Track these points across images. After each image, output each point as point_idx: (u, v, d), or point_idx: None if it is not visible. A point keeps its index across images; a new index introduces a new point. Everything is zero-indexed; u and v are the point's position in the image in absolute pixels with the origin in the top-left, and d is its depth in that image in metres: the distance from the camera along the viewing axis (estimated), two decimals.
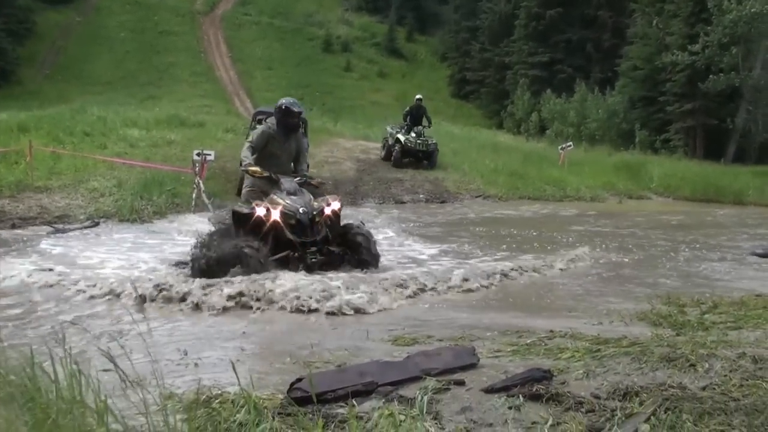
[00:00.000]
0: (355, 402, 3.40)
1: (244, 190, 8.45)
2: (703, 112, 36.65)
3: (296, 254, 7.72)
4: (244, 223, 7.85)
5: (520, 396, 3.41)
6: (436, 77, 63.52)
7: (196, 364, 4.49)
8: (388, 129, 22.41)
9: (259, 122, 16.89)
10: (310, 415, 3.24)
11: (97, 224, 11.24)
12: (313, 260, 7.68)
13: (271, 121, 8.54)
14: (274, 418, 3.20)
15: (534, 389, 3.51)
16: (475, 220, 14.63)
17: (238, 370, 3.01)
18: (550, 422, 3.06)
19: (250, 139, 8.46)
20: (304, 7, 72.90)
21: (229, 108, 42.31)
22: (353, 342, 5.12)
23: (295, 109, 8.47)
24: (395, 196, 17.18)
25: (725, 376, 3.65)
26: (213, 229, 8.47)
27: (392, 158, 21.22)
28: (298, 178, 8.38)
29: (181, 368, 4.43)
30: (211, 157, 14.27)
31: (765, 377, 3.58)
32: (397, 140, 21.36)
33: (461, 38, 60.91)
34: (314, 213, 7.88)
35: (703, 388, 3.48)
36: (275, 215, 7.70)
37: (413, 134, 21.19)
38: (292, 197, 7.90)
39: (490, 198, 17.84)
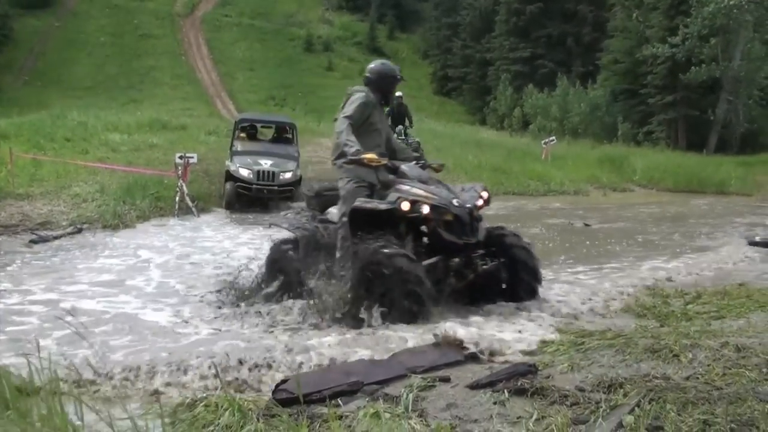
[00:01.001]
0: (340, 401, 3.39)
1: (346, 185, 6.05)
2: (685, 103, 36.88)
3: (457, 260, 5.77)
4: (375, 224, 5.73)
5: (505, 391, 3.40)
6: (418, 74, 63.51)
7: None
8: None
9: (242, 130, 16.42)
10: (295, 416, 3.23)
11: (80, 231, 11.14)
12: (485, 267, 5.78)
13: (359, 89, 6.25)
14: (258, 420, 3.19)
15: (519, 384, 3.51)
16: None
17: None
18: (534, 416, 3.05)
19: (345, 113, 5.99)
20: (285, 8, 72.78)
21: (212, 110, 42.21)
22: None
23: (398, 74, 6.39)
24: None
25: (708, 365, 3.66)
26: (288, 238, 6.82)
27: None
28: (415, 162, 6.36)
29: None
30: (194, 160, 14.17)
31: (747, 366, 3.59)
32: None
33: (442, 35, 61.04)
34: (472, 206, 5.89)
35: (687, 378, 3.50)
36: (425, 210, 5.64)
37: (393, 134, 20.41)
38: (430, 187, 5.88)
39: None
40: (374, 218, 5.70)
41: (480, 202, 5.97)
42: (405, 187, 5.79)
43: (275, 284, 6.62)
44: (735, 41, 34.83)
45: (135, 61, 54.77)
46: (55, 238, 10.53)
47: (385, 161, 5.89)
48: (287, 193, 14.67)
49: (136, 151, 18.57)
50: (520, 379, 3.60)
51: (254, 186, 14.56)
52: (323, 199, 6.62)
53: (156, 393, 4.06)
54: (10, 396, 3.11)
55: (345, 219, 5.91)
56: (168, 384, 4.17)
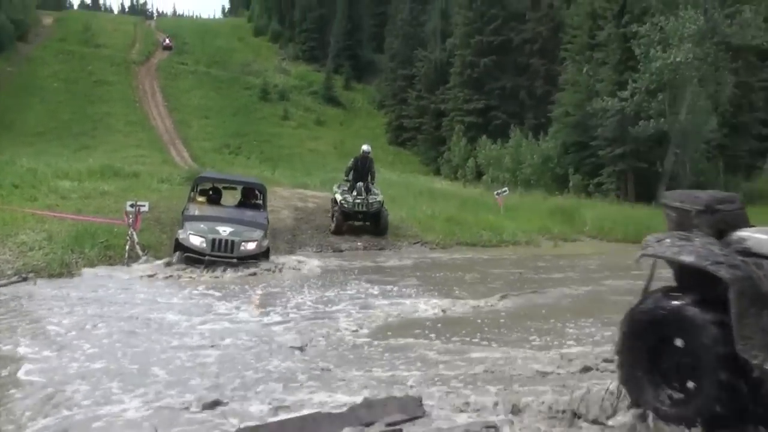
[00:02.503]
0: None
1: None
2: (634, 156, 37.67)
3: None
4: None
5: None
6: (373, 124, 64.11)
7: None
8: (335, 189, 19.02)
9: (202, 193, 14.40)
10: None
11: (25, 279, 10.88)
12: None
13: None
14: None
15: None
16: (411, 265, 14.65)
17: None
18: None
19: None
20: (241, 57, 73.21)
21: (165, 157, 41.90)
22: None
23: None
24: (333, 244, 17.05)
25: None
26: None
27: (333, 225, 17.95)
28: None
29: None
30: (145, 209, 13.97)
31: None
32: (335, 201, 18.36)
33: (398, 86, 61.75)
34: None
35: None
36: None
37: (354, 192, 17.95)
38: None
39: (428, 244, 17.86)
40: None
41: None
42: None
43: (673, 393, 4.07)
44: (681, 96, 35.76)
45: (88, 107, 54.34)
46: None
47: None
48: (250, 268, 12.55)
49: (87, 198, 18.27)
50: None
51: (207, 257, 12.29)
52: (721, 216, 4.59)
53: None
54: None
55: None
56: None
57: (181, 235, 12.71)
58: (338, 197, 18.05)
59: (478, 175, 42.86)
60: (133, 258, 13.25)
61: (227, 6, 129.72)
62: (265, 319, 8.70)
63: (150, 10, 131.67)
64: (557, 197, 31.13)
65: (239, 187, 15.53)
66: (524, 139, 42.31)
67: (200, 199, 14.25)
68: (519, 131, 43.72)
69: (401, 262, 15.12)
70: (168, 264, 12.51)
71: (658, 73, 34.59)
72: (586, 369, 6.01)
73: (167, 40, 72.63)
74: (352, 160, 19.05)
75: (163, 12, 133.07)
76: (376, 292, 10.87)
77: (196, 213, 13.43)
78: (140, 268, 12.47)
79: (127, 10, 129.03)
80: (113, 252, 13.37)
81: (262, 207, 14.42)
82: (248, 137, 54.16)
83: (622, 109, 36.00)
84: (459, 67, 52.51)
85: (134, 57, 67.50)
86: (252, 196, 14.81)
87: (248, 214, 13.90)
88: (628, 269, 14.33)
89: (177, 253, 12.65)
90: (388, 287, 11.36)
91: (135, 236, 13.53)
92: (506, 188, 26.44)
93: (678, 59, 33.85)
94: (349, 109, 66.55)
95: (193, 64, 68.26)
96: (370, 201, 17.81)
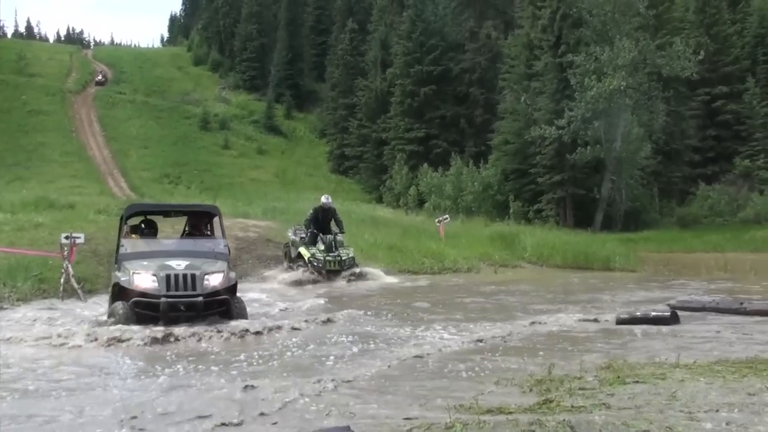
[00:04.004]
0: None
1: None
2: (572, 182, 38.43)
3: None
4: None
5: None
6: (315, 153, 64.09)
7: None
8: (290, 235, 17.70)
9: (134, 229, 11.44)
10: None
11: None
12: None
13: None
14: None
15: None
16: (375, 294, 14.58)
17: None
18: None
19: None
20: (180, 86, 72.64)
21: (103, 188, 41.23)
22: None
23: None
24: (276, 276, 16.92)
25: None
26: None
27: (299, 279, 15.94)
28: None
29: None
30: (81, 240, 13.65)
31: None
32: (300, 256, 16.65)
33: (339, 115, 61.94)
34: None
35: None
36: None
37: (322, 246, 16.47)
38: None
39: (358, 265, 17.79)
40: None
41: None
42: None
43: None
44: (616, 124, 36.69)
45: (22, 137, 53.10)
46: None
47: None
48: (219, 306, 9.88)
49: (20, 230, 17.77)
50: None
51: (163, 300, 9.44)
52: None
53: None
54: None
55: None
56: None
57: (122, 277, 9.89)
58: (304, 252, 16.48)
59: (420, 202, 43.14)
60: (68, 291, 12.94)
61: (166, 35, 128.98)
62: None
63: (87, 39, 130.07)
64: (498, 224, 31.46)
65: (182, 216, 12.77)
66: (465, 167, 42.79)
67: (133, 236, 11.34)
68: (459, 159, 44.22)
69: (358, 291, 14.98)
70: (109, 322, 9.61)
71: (594, 102, 35.52)
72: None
73: (100, 76, 70.59)
74: (311, 211, 17.54)
75: (100, 41, 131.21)
76: (373, 329, 9.71)
77: (135, 250, 10.52)
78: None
79: (63, 39, 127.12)
80: (47, 285, 13.04)
81: (218, 235, 11.53)
82: (188, 167, 53.62)
83: (560, 137, 36.80)
84: (399, 96, 52.93)
85: (70, 86, 66.39)
86: (201, 225, 11.98)
87: (202, 244, 11.14)
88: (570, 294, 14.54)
89: (118, 304, 9.71)
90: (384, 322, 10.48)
91: (70, 269, 13.22)
92: (447, 215, 26.62)
93: (612, 87, 34.80)
94: (290, 138, 66.45)
95: (131, 93, 67.44)
96: (343, 258, 16.38)
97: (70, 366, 7.48)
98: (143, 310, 9.50)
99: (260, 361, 7.59)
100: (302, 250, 16.56)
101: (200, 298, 9.60)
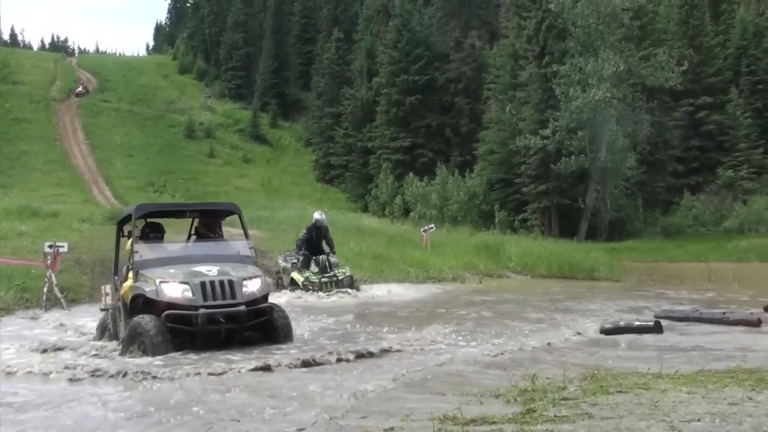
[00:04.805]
0: None
1: None
2: (557, 192, 38.58)
3: None
4: None
5: None
6: (301, 162, 63.99)
7: None
8: (281, 262, 16.83)
9: (145, 233, 9.55)
10: None
11: None
12: None
13: None
14: None
15: None
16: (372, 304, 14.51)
17: None
18: None
19: None
20: (166, 94, 72.37)
21: (87, 196, 41.03)
22: None
23: None
24: None
25: None
26: None
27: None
28: None
29: None
30: (64, 249, 13.61)
31: None
32: (294, 282, 15.69)
33: (325, 124, 61.90)
34: None
35: None
36: None
37: (315, 268, 15.67)
38: None
39: (356, 282, 17.77)
40: None
41: None
42: None
43: None
44: (601, 134, 36.90)
45: (5, 145, 52.66)
46: None
47: None
48: (261, 317, 8.70)
49: (2, 239, 17.68)
50: None
51: (202, 312, 8.20)
52: None
53: None
54: None
55: None
56: None
57: (146, 288, 8.46)
58: (297, 277, 15.59)
59: (406, 211, 43.17)
60: (52, 301, 12.86)
61: (151, 44, 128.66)
62: None
63: (71, 47, 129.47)
64: (483, 233, 31.52)
65: (193, 218, 10.61)
66: (450, 176, 42.87)
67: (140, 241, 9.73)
68: (445, 168, 44.30)
69: (352, 302, 14.83)
70: (124, 340, 8.40)
71: (578, 112, 35.74)
72: None
73: (81, 87, 68.75)
74: (305, 231, 16.58)
75: (85, 49, 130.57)
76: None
77: (154, 256, 9.01)
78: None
79: (47, 47, 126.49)
80: (30, 295, 13.00)
81: (243, 236, 9.97)
82: (173, 175, 53.40)
83: (544, 147, 36.97)
84: (385, 105, 53.01)
85: (54, 94, 65.98)
86: (215, 226, 10.30)
87: (224, 246, 9.73)
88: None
89: (141, 320, 8.15)
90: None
91: (54, 278, 13.15)
92: (433, 225, 26.63)
93: (597, 97, 35.01)
94: (276, 146, 66.31)
95: (116, 101, 67.09)
96: (340, 278, 15.50)
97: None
98: (176, 324, 8.19)
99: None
100: (295, 275, 15.70)
101: (243, 307, 8.42)
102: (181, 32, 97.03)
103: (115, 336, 9.28)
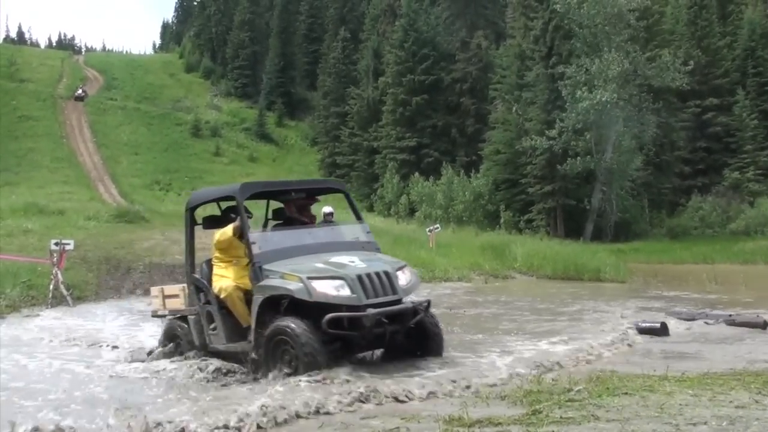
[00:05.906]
0: None
1: None
2: (562, 193, 38.49)
3: None
4: None
5: None
6: (306, 161, 64.02)
7: None
8: None
9: (209, 221, 8.70)
10: None
11: None
12: None
13: None
14: None
15: None
16: None
17: None
18: None
19: None
20: (172, 93, 72.49)
21: (93, 194, 41.06)
22: None
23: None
24: None
25: None
26: None
27: None
28: None
29: None
30: (71, 247, 13.65)
31: None
32: None
33: (331, 123, 61.89)
34: None
35: None
36: None
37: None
38: None
39: None
40: None
41: None
42: None
43: None
44: (607, 135, 36.79)
45: (12, 143, 52.75)
46: None
47: None
48: (418, 315, 7.21)
49: (9, 236, 17.74)
50: None
51: (371, 312, 6.70)
52: None
53: None
54: None
55: None
56: None
57: (289, 286, 6.83)
58: None
59: (411, 211, 43.12)
60: (57, 298, 12.89)
61: (158, 42, 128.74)
62: None
63: (78, 45, 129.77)
64: (488, 233, 31.46)
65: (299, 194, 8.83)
66: (456, 176, 42.80)
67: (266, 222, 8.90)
68: (451, 168, 44.22)
69: None
70: (257, 355, 6.96)
71: (585, 113, 35.62)
72: None
73: (80, 90, 66.70)
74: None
75: (91, 47, 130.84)
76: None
77: (279, 246, 7.49)
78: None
79: (54, 44, 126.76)
80: (36, 292, 13.02)
81: (360, 219, 8.68)
82: (179, 173, 53.47)
83: (551, 148, 36.88)
84: (391, 105, 52.95)
85: (61, 92, 66.14)
86: (309, 208, 9.05)
87: (340, 232, 8.50)
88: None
89: (289, 322, 6.72)
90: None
91: (60, 275, 13.18)
92: (438, 225, 26.63)
93: (603, 99, 34.93)
94: (282, 145, 66.38)
95: (122, 99, 67.24)
96: None
97: None
98: (339, 329, 6.71)
99: None
100: None
101: (410, 303, 7.16)
102: (187, 31, 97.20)
103: (202, 347, 7.79)
